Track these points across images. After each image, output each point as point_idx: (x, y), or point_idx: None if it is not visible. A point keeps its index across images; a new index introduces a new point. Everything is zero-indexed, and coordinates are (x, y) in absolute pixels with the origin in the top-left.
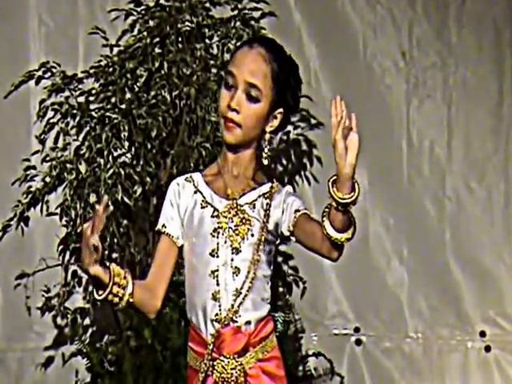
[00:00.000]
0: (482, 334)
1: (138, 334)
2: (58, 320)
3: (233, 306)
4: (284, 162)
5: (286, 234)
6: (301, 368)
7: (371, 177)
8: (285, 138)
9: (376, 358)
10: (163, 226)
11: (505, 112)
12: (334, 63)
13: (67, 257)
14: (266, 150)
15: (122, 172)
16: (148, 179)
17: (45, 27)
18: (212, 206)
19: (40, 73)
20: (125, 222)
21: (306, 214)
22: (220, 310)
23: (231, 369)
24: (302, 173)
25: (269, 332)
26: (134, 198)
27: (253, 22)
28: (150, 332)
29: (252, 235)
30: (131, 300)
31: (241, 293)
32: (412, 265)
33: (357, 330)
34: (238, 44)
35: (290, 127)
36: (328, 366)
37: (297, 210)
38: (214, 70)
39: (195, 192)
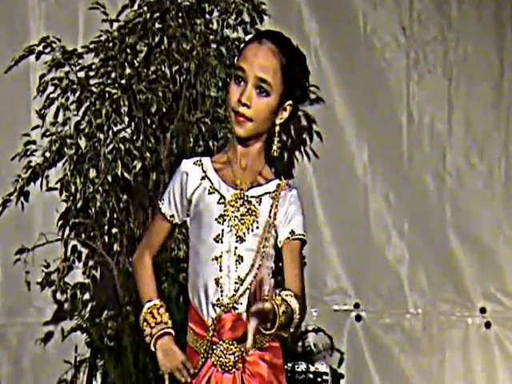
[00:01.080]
0: (483, 310)
1: (137, 309)
2: (58, 295)
3: (234, 294)
4: (284, 137)
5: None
6: (300, 344)
7: (371, 152)
8: None
9: (376, 333)
10: (162, 202)
11: (506, 87)
12: (334, 38)
13: (67, 232)
14: (275, 141)
15: (122, 147)
16: (148, 154)
17: (45, 2)
18: (219, 193)
19: (40, 48)
20: (124, 197)
21: (296, 240)
22: (222, 295)
23: (230, 354)
24: (302, 148)
25: None
26: (133, 173)
27: None
28: None
29: (257, 227)
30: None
31: (243, 282)
32: (412, 240)
33: (357, 305)
34: (247, 39)
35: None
36: (328, 342)
37: (291, 232)
38: (213, 45)
39: (203, 178)
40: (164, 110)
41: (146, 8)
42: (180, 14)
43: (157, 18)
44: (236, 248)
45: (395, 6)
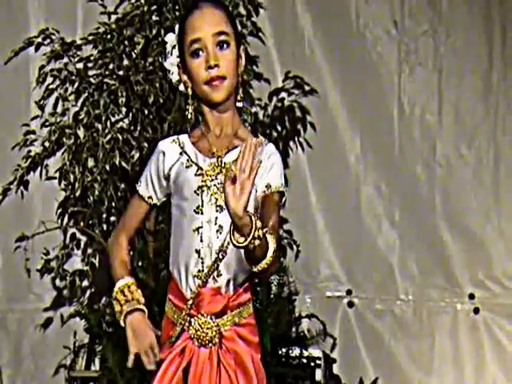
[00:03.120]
0: (471, 296)
1: None
2: (57, 282)
3: (214, 263)
4: (278, 128)
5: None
6: (294, 329)
7: (363, 143)
8: (279, 104)
9: (367, 319)
10: (139, 184)
11: (494, 79)
12: (327, 31)
13: (66, 220)
14: (240, 91)
15: (120, 137)
16: (145, 144)
17: None
18: (196, 165)
19: (39, 39)
20: (122, 186)
21: (273, 194)
22: (202, 266)
23: (207, 328)
24: (296, 139)
25: (247, 299)
26: (131, 162)
27: None
28: (149, 294)
29: None
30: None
31: (222, 251)
32: (403, 229)
33: (349, 292)
34: (182, 15)
35: (284, 94)
36: (321, 328)
37: (267, 186)
38: None
39: (181, 153)
40: (161, 100)
41: (143, 1)
42: (177, 7)
43: (154, 11)
44: (216, 218)
45: (387, 0)
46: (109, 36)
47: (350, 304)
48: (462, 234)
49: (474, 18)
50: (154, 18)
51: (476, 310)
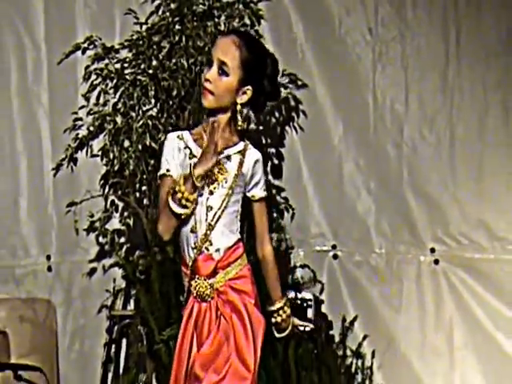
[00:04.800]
0: (432, 250)
1: (162, 249)
2: (100, 239)
3: (205, 236)
4: (277, 114)
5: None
6: (290, 277)
7: (345, 127)
8: None
9: (349, 269)
10: (167, 170)
11: (450, 75)
12: (316, 37)
13: (107, 189)
14: (238, 117)
15: (150, 123)
16: (170, 128)
17: (89, 9)
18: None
19: (85, 45)
20: (152, 162)
21: (261, 199)
22: (196, 239)
23: (203, 287)
24: (291, 124)
25: (237, 257)
26: (159, 143)
27: (252, 5)
28: (172, 248)
29: (226, 182)
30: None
31: (211, 225)
32: (377, 196)
33: (334, 246)
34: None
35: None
36: (311, 275)
37: (253, 196)
38: None
39: (185, 147)
40: (183, 93)
41: (168, 13)
42: (195, 18)
43: (177, 22)
44: (207, 200)
45: (363, 12)
46: (141, 42)
47: (335, 256)
48: (425, 199)
49: (433, 25)
50: (177, 27)
51: (436, 261)
